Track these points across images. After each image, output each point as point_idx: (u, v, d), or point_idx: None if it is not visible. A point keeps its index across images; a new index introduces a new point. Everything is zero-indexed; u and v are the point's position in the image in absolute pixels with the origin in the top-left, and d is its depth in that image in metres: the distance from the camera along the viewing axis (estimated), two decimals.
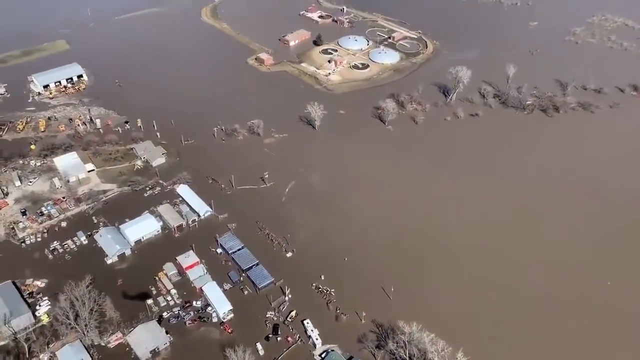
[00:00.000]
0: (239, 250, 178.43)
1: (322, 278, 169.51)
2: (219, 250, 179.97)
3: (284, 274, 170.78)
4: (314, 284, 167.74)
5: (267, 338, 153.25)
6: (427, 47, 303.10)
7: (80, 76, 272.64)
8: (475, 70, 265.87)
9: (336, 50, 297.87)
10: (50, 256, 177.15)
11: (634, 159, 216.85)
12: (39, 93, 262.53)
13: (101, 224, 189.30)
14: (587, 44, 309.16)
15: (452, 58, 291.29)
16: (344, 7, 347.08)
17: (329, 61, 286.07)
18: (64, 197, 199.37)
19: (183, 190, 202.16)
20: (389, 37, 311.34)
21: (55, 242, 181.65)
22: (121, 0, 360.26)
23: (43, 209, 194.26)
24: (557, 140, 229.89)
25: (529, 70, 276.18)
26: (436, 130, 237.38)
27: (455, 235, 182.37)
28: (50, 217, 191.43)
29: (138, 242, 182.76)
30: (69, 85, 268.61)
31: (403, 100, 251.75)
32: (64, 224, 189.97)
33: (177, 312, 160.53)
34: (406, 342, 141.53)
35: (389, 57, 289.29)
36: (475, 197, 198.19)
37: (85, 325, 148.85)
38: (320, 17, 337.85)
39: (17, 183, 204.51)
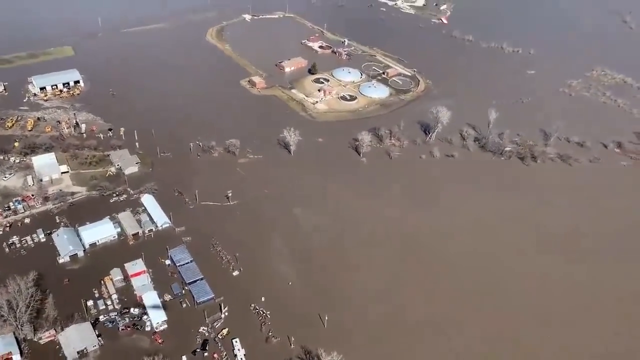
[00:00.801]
0: (186, 263, 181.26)
1: (263, 300, 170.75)
2: (168, 262, 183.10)
3: (226, 292, 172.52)
4: (252, 305, 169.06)
5: (194, 352, 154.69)
6: (418, 85, 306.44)
7: (77, 82, 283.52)
8: (461, 113, 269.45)
9: (328, 80, 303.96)
10: (7, 250, 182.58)
11: (597, 214, 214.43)
12: (35, 94, 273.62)
13: (62, 224, 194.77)
14: (581, 97, 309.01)
15: (441, 98, 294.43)
16: (346, 40, 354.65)
17: (319, 90, 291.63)
18: (32, 195, 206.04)
19: (147, 199, 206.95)
20: (383, 73, 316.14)
21: (15, 237, 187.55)
22: (134, 13, 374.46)
23: (11, 204, 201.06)
24: (526, 189, 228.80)
25: (516, 118, 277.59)
26: (408, 167, 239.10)
27: (400, 271, 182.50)
28: (15, 212, 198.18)
29: (93, 245, 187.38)
30: (65, 89, 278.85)
31: (382, 135, 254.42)
32: (27, 220, 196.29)
33: (113, 316, 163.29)
34: None
35: (378, 92, 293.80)
36: (423, 237, 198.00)
37: (19, 319, 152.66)
38: (321, 47, 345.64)
39: None
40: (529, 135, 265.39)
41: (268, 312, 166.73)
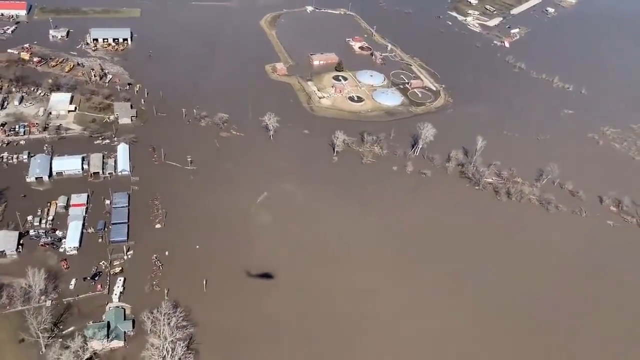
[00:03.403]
0: (120, 207, 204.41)
1: (166, 254, 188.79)
2: (107, 202, 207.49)
3: (140, 239, 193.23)
4: (155, 255, 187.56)
5: (84, 279, 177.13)
6: (435, 101, 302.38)
7: (125, 39, 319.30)
8: (462, 135, 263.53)
9: (346, 79, 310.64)
10: None
11: (546, 270, 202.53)
12: (87, 43, 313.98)
13: (45, 151, 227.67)
14: (608, 147, 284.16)
15: (450, 117, 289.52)
16: (389, 45, 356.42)
17: (332, 86, 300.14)
18: (37, 123, 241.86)
19: (121, 148, 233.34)
20: (407, 82, 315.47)
21: (6, 152, 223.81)
22: None
23: (17, 127, 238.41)
24: (484, 225, 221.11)
25: (519, 153, 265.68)
26: (371, 174, 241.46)
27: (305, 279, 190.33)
28: (17, 134, 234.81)
29: (60, 173, 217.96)
30: (113, 44, 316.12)
31: (366, 139, 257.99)
32: (22, 142, 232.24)
33: (40, 233, 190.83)
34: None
35: (389, 99, 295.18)
36: (358, 252, 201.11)
37: None
38: (361, 48, 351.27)
39: (16, 103, 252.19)
40: (523, 173, 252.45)
41: (162, 265, 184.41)
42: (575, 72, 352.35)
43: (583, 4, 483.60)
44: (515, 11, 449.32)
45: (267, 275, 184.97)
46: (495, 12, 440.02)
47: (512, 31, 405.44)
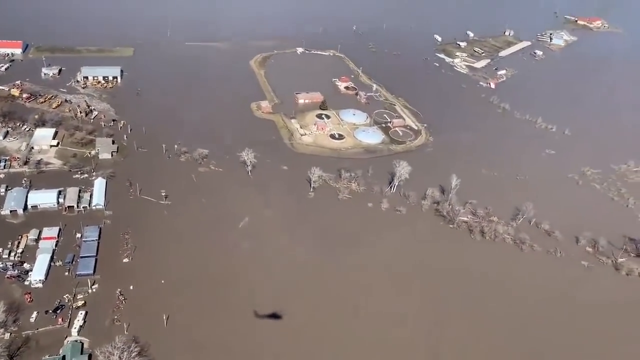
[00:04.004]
0: (91, 241, 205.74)
1: (131, 288, 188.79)
2: (79, 236, 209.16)
3: (107, 273, 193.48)
4: (119, 290, 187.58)
5: (46, 312, 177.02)
6: (416, 140, 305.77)
7: (115, 77, 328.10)
8: (441, 174, 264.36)
9: (329, 117, 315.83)
10: None
11: (514, 310, 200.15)
12: (77, 81, 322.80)
13: (23, 184, 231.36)
14: (588, 187, 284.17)
15: (430, 155, 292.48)
16: (375, 85, 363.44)
17: (314, 124, 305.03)
18: (18, 157, 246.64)
19: (98, 182, 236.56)
20: (389, 121, 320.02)
21: None
22: (205, 30, 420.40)
23: None
24: (454, 263, 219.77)
25: (496, 192, 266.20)
26: (348, 211, 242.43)
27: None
28: None
29: (35, 207, 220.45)
30: (103, 81, 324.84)
31: (343, 175, 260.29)
32: (2, 175, 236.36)
33: (7, 265, 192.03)
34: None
35: (369, 137, 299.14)
36: (327, 288, 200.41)
37: None
38: (346, 88, 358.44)
39: (0, 137, 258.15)
40: (500, 212, 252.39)
41: (125, 299, 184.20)
42: (560, 113, 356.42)
43: (571, 47, 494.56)
44: (503, 53, 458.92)
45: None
46: (483, 54, 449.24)
47: (499, 73, 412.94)
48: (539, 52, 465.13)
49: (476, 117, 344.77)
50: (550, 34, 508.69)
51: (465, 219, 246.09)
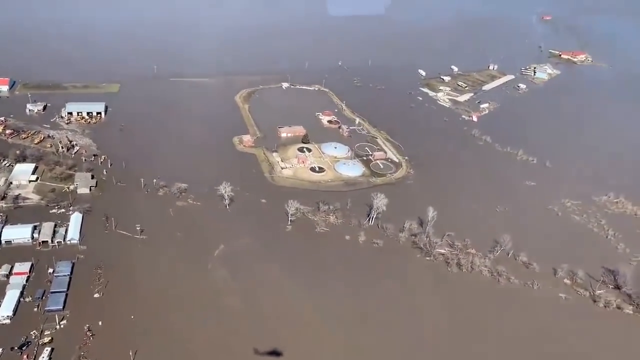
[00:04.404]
0: (62, 276, 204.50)
1: (100, 324, 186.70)
2: (50, 271, 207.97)
3: (76, 308, 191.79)
4: (87, 325, 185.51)
5: (12, 348, 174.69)
6: (396, 172, 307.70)
7: (99, 113, 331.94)
8: (420, 206, 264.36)
9: (310, 150, 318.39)
10: None
11: (488, 343, 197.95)
12: (62, 117, 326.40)
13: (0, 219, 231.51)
14: (568, 219, 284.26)
15: (409, 188, 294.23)
16: (357, 119, 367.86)
17: (296, 157, 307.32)
18: None
19: (74, 217, 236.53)
20: (371, 154, 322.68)
21: None
22: (192, 66, 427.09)
23: None
24: (429, 295, 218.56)
25: (476, 224, 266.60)
26: (325, 243, 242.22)
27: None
28: None
29: (8, 242, 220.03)
30: (87, 117, 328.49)
31: (322, 208, 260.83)
32: None
33: None
34: None
35: (350, 170, 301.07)
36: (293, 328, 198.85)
37: None
38: (329, 122, 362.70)
39: None
40: (478, 244, 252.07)
41: (93, 335, 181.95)
42: (542, 145, 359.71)
43: (554, 81, 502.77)
44: (487, 87, 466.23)
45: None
46: (467, 88, 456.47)
47: (482, 106, 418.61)
48: (522, 86, 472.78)
49: (457, 149, 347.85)
50: (534, 68, 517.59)
51: (443, 251, 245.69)
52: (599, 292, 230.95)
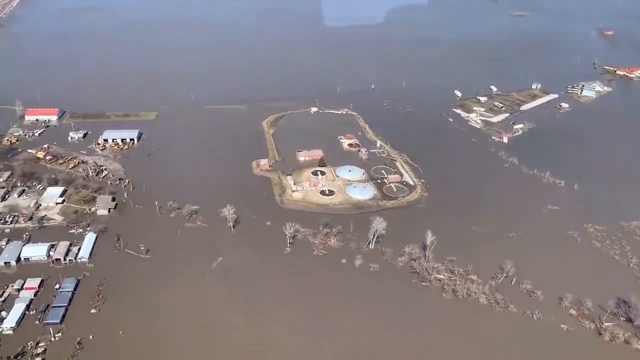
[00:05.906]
0: (66, 292, 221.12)
1: (91, 338, 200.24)
2: (57, 286, 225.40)
3: (73, 322, 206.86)
4: (79, 338, 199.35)
5: (8, 358, 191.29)
6: (408, 196, 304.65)
7: (132, 139, 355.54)
8: (424, 230, 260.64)
9: (324, 174, 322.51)
10: None
11: None
12: (97, 144, 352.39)
13: (24, 238, 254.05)
14: (588, 245, 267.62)
15: (419, 213, 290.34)
16: (379, 142, 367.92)
17: (308, 180, 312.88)
18: (24, 213, 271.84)
19: (88, 236, 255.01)
20: (385, 177, 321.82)
21: None
22: (227, 94, 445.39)
23: (7, 216, 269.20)
24: (420, 322, 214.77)
25: (484, 249, 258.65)
26: (320, 267, 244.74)
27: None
28: (5, 222, 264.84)
29: (27, 259, 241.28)
30: (120, 143, 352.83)
31: (324, 231, 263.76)
32: (7, 230, 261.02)
33: None
34: None
35: (360, 193, 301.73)
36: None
37: None
38: (350, 145, 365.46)
39: (15, 195, 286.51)
40: (481, 270, 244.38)
41: (82, 348, 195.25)
42: (572, 167, 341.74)
43: (602, 99, 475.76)
44: (525, 107, 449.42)
45: None
46: (503, 108, 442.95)
47: (516, 127, 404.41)
48: (565, 105, 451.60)
49: (480, 172, 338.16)
50: (582, 86, 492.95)
51: (441, 276, 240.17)
52: (607, 324, 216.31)
